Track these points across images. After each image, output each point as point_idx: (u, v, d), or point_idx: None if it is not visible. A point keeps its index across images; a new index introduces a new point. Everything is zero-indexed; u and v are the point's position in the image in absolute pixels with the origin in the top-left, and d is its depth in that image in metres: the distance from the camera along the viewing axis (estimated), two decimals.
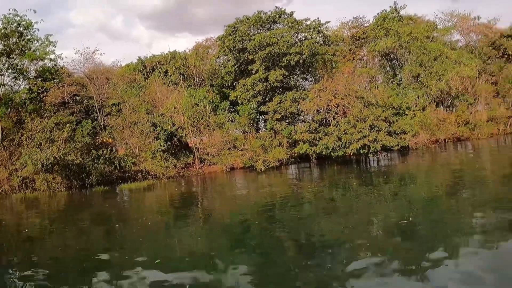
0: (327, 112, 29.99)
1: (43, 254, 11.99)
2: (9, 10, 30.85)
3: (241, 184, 26.29)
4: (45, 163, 26.65)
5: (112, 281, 9.10)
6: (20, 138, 30.04)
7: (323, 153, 29.66)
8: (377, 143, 28.52)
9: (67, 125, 29.42)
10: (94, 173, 28.35)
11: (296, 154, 31.73)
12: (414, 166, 26.94)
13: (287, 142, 31.71)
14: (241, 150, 30.66)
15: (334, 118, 29.95)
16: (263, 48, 31.36)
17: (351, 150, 28.63)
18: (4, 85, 32.09)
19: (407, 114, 32.58)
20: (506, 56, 41.66)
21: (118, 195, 25.36)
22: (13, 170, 29.42)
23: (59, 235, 15.02)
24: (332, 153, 29.29)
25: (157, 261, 9.78)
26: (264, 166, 29.35)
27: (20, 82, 32.88)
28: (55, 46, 31.13)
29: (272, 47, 31.13)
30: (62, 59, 31.90)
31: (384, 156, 31.44)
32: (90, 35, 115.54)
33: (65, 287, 9.11)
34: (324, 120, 30.35)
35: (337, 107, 29.99)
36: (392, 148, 29.62)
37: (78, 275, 9.71)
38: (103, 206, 21.66)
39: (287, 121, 32.29)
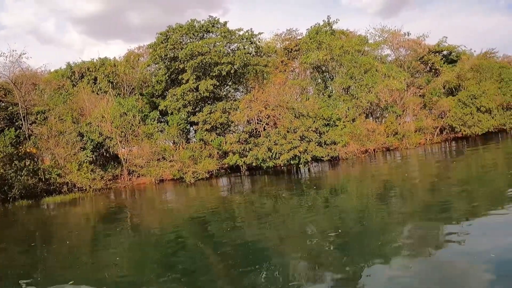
0: (258, 123, 31.20)
1: None
2: None
3: (170, 197, 26.67)
4: None
5: None
6: None
7: (254, 164, 30.69)
8: (307, 154, 29.73)
9: None
10: (17, 185, 28.28)
11: (226, 165, 32.75)
12: (345, 176, 28.02)
13: (217, 153, 32.63)
14: (170, 162, 31.31)
15: (264, 129, 31.16)
16: (194, 57, 32.22)
17: (282, 161, 29.57)
18: None
19: (337, 125, 34.63)
20: (433, 70, 45.88)
21: (41, 210, 25.29)
22: None
23: None
24: (262, 164, 30.31)
25: (70, 283, 9.66)
26: (193, 177, 30.13)
27: None
28: None
29: (204, 56, 32.04)
30: None
31: (315, 166, 32.69)
32: (20, 38, 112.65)
33: None
34: (255, 131, 31.53)
35: (267, 118, 31.21)
36: (322, 158, 30.91)
37: None
38: (25, 222, 21.58)
39: (217, 131, 33.32)
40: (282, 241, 11.68)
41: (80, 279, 9.97)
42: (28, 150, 31.32)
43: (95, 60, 37.05)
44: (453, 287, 7.52)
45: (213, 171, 32.03)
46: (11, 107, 33.25)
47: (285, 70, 38.77)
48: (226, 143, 31.77)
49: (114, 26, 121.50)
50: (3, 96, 32.73)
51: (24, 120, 32.26)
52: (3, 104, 33.31)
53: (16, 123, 32.87)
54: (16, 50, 34.30)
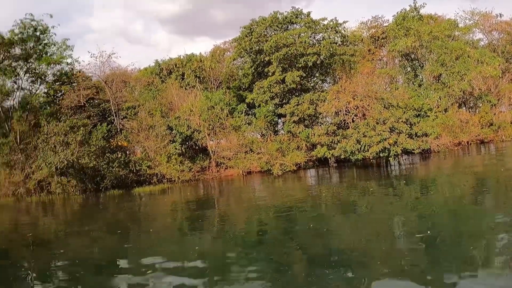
0: (346, 114, 31.14)
1: (40, 261, 12.29)
2: (25, 15, 33.83)
3: (257, 189, 27.42)
4: (58, 166, 28.93)
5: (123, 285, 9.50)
6: (36, 141, 32.85)
7: (342, 156, 30.80)
8: (397, 146, 29.13)
9: (81, 128, 31.95)
10: (109, 176, 30.42)
11: (314, 158, 33.07)
12: (437, 171, 27.32)
13: (305, 145, 33.02)
14: (258, 154, 32.18)
15: (353, 121, 31.07)
16: (279, 49, 32.85)
17: (371, 154, 29.37)
18: (22, 89, 35.16)
19: (428, 116, 33.63)
20: None
21: (131, 199, 26.83)
22: (29, 173, 32.32)
23: (65, 240, 15.89)
24: (351, 156, 30.32)
25: (167, 265, 10.42)
26: (281, 170, 30.79)
27: (38, 86, 35.76)
28: (72, 50, 33.68)
29: (288, 48, 32.57)
30: (79, 63, 34.75)
31: (405, 159, 32.25)
32: (110, 40, 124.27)
33: None
34: (343, 123, 31.56)
35: (356, 109, 31.08)
36: (413, 151, 30.21)
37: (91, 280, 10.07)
38: (115, 210, 23.06)
39: (305, 123, 33.71)
40: (367, 241, 11.22)
41: (163, 264, 10.59)
42: (119, 143, 33.60)
43: (182, 57, 38.90)
44: None
45: (300, 163, 32.50)
46: (103, 104, 35.71)
47: (373, 59, 38.53)
48: (314, 135, 31.93)
49: (199, 24, 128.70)
50: (95, 93, 35.28)
51: (115, 116, 34.51)
52: (96, 101, 35.88)
53: (109, 119, 35.23)
54: (105, 51, 36.81)
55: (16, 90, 34.41)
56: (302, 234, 12.53)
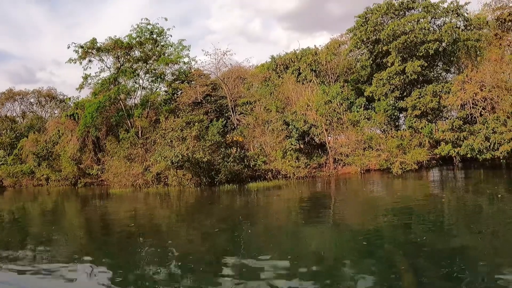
0: (473, 107, 33.41)
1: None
2: (141, 19, 41.16)
3: (373, 188, 29.94)
4: (174, 160, 34.89)
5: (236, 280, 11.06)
6: (155, 136, 39.28)
7: (468, 155, 32.79)
8: None
9: (196, 124, 37.59)
10: (223, 171, 36.17)
11: (437, 156, 36.30)
12: None
13: (428, 142, 36.10)
14: (377, 151, 36.15)
15: (481, 115, 33.11)
16: (397, 37, 36.22)
17: (501, 153, 30.65)
18: (144, 88, 42.78)
19: None
20: None
21: (245, 194, 30.60)
22: (147, 166, 38.68)
23: (177, 231, 18.80)
24: (478, 155, 32.01)
25: (278, 265, 11.90)
26: (401, 168, 33.92)
27: (158, 85, 43.38)
28: (189, 50, 41.56)
29: (407, 35, 35.77)
30: (196, 62, 41.65)
31: None
32: (230, 40, 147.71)
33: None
34: (470, 117, 33.79)
35: (484, 101, 33.03)
36: None
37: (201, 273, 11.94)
38: (228, 205, 26.40)
39: (427, 118, 36.92)
40: (495, 254, 11.73)
41: (276, 257, 12.61)
42: (235, 139, 38.89)
43: (296, 51, 43.80)
44: None
45: (422, 162, 35.70)
46: (220, 100, 41.65)
47: (500, 45, 39.70)
48: (437, 130, 35.04)
49: (316, 19, 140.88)
50: (212, 90, 41.27)
51: (232, 111, 40.08)
52: (213, 97, 41.93)
53: (226, 114, 41.16)
54: (220, 49, 43.54)
55: (137, 90, 41.54)
56: (415, 250, 12.53)
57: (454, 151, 33.65)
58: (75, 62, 41.51)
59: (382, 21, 38.37)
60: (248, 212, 22.78)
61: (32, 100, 68.74)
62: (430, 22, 37.81)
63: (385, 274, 10.70)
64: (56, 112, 64.06)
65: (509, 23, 42.57)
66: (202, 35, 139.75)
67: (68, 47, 40.95)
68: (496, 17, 43.28)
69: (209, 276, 11.67)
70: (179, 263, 13.15)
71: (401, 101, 37.56)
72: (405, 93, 38.14)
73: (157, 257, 13.95)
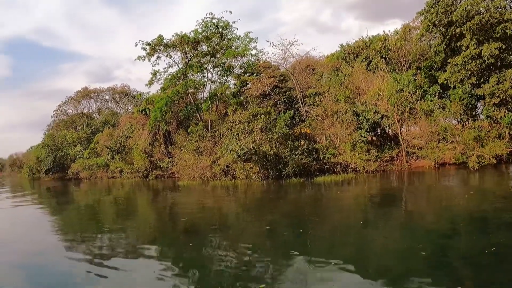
0: None
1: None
2: (206, 14, 41.51)
3: (448, 185, 27.85)
4: (240, 153, 34.66)
5: (301, 278, 10.87)
6: (223, 129, 39.41)
7: None
8: None
9: (262, 116, 37.18)
10: (291, 164, 35.52)
11: None
12: None
13: (509, 133, 33.43)
14: (452, 143, 33.96)
15: None
16: (471, 18, 33.59)
17: None
18: (213, 81, 43.23)
19: None
20: None
21: (312, 188, 30.00)
22: (215, 158, 38.87)
23: (242, 225, 18.66)
24: None
25: (340, 266, 11.29)
26: (478, 163, 31.30)
27: (226, 78, 43.59)
28: (256, 42, 41.26)
29: (482, 15, 33.14)
30: (264, 54, 41.39)
31: None
32: (301, 31, 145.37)
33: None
34: None
35: None
36: None
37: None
38: (295, 199, 26.00)
39: (507, 106, 34.06)
40: None
41: (345, 259, 11.67)
42: (303, 131, 38.13)
43: (365, 38, 42.41)
44: None
45: (502, 155, 32.90)
46: (288, 91, 41.10)
47: None
48: None
49: (388, 6, 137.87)
50: (279, 82, 40.94)
51: (301, 103, 39.44)
52: (282, 89, 41.56)
53: (296, 106, 40.46)
54: (286, 39, 43.05)
55: (206, 83, 42.10)
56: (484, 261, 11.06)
57: None
58: (144, 59, 42.68)
59: (454, 1, 35.57)
60: (313, 209, 21.95)
61: (107, 97, 72.20)
62: (506, 0, 34.53)
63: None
64: (129, 107, 66.64)
65: None
66: (273, 28, 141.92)
67: (136, 45, 42.12)
68: None
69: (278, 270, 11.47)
70: (240, 255, 13.05)
71: (478, 88, 34.74)
72: (482, 80, 35.21)
73: (219, 251, 14.01)
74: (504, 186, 25.54)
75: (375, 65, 39.46)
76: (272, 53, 42.42)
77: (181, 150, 42.98)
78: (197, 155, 40.71)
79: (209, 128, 41.95)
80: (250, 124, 36.83)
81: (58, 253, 15.09)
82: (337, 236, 15.18)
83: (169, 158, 45.40)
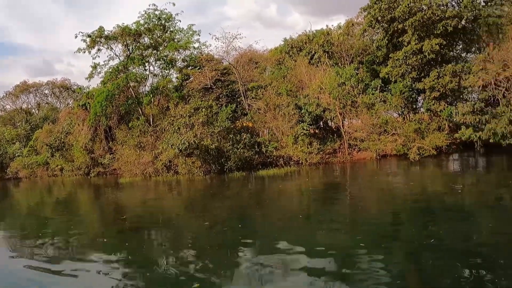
0: (495, 89, 31.29)
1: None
2: (149, 5, 40.25)
3: (389, 176, 28.11)
4: (181, 148, 33.73)
5: (253, 265, 11.14)
6: (165, 124, 38.18)
7: (491, 140, 30.45)
8: None
9: (203, 110, 36.31)
10: (233, 157, 34.91)
11: (458, 141, 34.24)
12: None
13: (448, 126, 34.37)
14: (393, 135, 34.58)
15: (504, 96, 31.17)
16: (413, 14, 34.22)
17: None
18: (155, 75, 41.83)
19: None
20: None
21: (254, 182, 29.81)
22: (157, 154, 37.61)
23: (185, 221, 18.47)
24: (502, 140, 29.83)
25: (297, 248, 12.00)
26: (418, 154, 32.26)
27: (168, 71, 42.26)
28: (199, 35, 40.06)
29: (424, 12, 33.83)
30: (207, 47, 40.37)
31: None
32: (247, 25, 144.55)
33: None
34: (492, 99, 31.91)
35: (507, 82, 30.93)
36: None
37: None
38: (237, 193, 25.58)
39: (447, 100, 35.07)
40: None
41: (287, 253, 11.93)
42: (244, 124, 37.51)
43: (308, 32, 42.50)
44: None
45: (442, 147, 33.77)
46: (231, 85, 40.47)
47: None
48: (457, 113, 32.97)
49: (333, 2, 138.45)
50: (221, 75, 40.24)
51: (243, 96, 38.80)
52: (225, 82, 40.83)
53: (239, 99, 39.68)
54: (230, 32, 42.38)
55: (148, 77, 40.64)
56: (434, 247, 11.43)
57: (475, 136, 31.30)
58: (84, 52, 40.78)
59: None
60: (255, 203, 21.78)
61: (46, 91, 68.71)
62: None
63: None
64: (70, 102, 63.90)
65: None
66: (219, 22, 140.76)
67: (76, 37, 40.22)
68: None
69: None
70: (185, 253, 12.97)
71: (419, 82, 35.47)
72: (422, 74, 35.96)
73: (164, 246, 14.19)
74: (443, 177, 26.19)
75: (318, 59, 39.51)
76: (215, 46, 41.95)
77: (122, 146, 41.41)
78: (138, 151, 39.28)
79: (151, 123, 40.53)
80: (191, 118, 36.13)
81: None
82: (279, 230, 14.98)
83: (110, 154, 43.61)
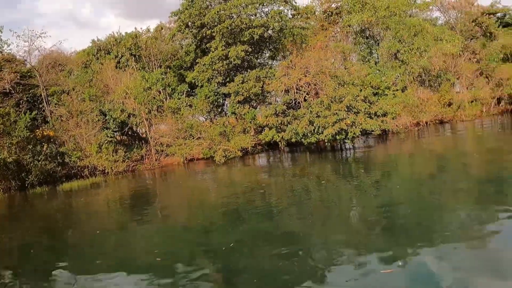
0: (297, 93, 32.47)
1: None
2: None
3: (196, 179, 28.66)
4: None
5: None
6: None
7: (293, 139, 31.65)
8: (355, 127, 29.61)
9: None
10: (35, 171, 31.24)
11: (263, 142, 35.12)
12: (398, 154, 28.79)
13: (253, 128, 35.14)
14: (198, 139, 34.29)
15: (305, 99, 32.45)
16: (222, 21, 34.48)
17: (326, 136, 30.09)
18: None
19: (386, 94, 35.95)
20: (488, 34, 47.82)
21: (60, 197, 27.50)
22: None
23: None
24: (303, 139, 31.11)
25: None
26: (224, 156, 32.41)
27: None
28: (1, 32, 34.88)
29: (232, 19, 34.37)
30: (9, 45, 35.65)
31: (364, 142, 34.08)
32: (59, 24, 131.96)
33: None
34: (294, 102, 33.07)
35: (308, 86, 32.28)
36: (373, 132, 31.20)
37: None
38: (42, 211, 23.58)
39: (251, 103, 35.92)
40: (329, 226, 13.00)
41: (106, 270, 11.57)
42: (45, 133, 33.96)
43: (116, 34, 40.37)
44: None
45: (247, 148, 34.26)
46: (33, 89, 36.52)
47: (325, 36, 40.30)
48: (261, 116, 33.59)
49: (149, 7, 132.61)
50: (21, 78, 36.03)
51: (45, 102, 35.16)
52: (26, 87, 36.68)
53: (41, 105, 35.89)
54: (33, 30, 37.95)
55: None
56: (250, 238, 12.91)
57: (279, 136, 32.44)
58: None
59: (208, 5, 36.37)
60: (62, 221, 20.18)
61: None
62: (258, 9, 36.50)
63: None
64: None
65: (335, 16, 43.81)
66: (30, 18, 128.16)
67: None
68: (323, 10, 44.36)
69: None
70: None
71: (224, 87, 35.89)
72: (228, 79, 36.54)
73: None
74: (246, 175, 27.17)
75: (125, 63, 37.94)
76: (17, 45, 37.50)
77: None
78: None
79: None
80: None
81: None
82: (93, 247, 14.29)
83: None
